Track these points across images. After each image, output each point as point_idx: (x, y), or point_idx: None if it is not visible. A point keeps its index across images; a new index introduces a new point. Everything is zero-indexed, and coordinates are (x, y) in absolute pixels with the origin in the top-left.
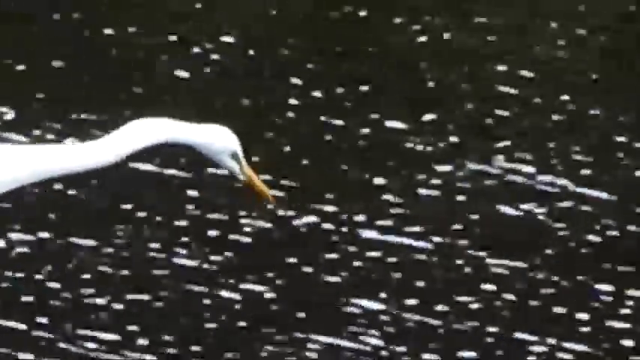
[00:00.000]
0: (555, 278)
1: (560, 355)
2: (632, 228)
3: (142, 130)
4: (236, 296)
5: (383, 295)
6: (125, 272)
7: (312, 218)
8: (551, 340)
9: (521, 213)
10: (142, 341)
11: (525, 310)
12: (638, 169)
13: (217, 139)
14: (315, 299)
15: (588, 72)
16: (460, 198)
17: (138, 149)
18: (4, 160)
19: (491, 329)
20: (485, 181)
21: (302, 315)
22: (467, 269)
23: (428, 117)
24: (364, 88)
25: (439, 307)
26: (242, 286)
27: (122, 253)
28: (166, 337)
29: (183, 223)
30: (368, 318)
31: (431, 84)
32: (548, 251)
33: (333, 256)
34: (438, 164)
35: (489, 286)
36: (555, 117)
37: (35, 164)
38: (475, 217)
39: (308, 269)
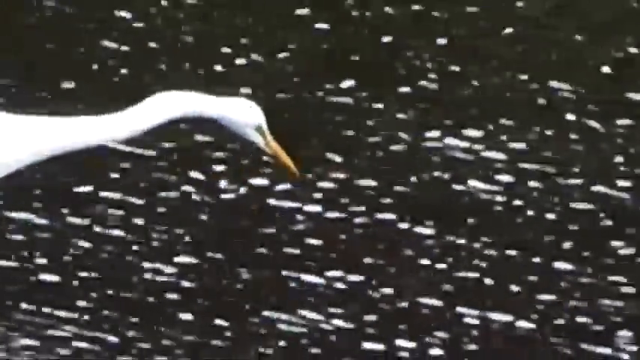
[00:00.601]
0: (509, 252)
1: (512, 330)
2: (589, 204)
3: (166, 103)
4: (174, 271)
5: (327, 269)
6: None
7: (250, 191)
8: (504, 317)
9: (476, 188)
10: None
11: (471, 285)
12: (591, 143)
13: (242, 113)
14: (258, 274)
15: (561, 48)
16: (411, 170)
17: (161, 122)
18: (15, 132)
19: (437, 304)
20: (442, 155)
21: (249, 290)
22: (420, 244)
23: (390, 89)
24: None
25: (385, 282)
26: (181, 261)
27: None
28: (127, 318)
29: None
30: (312, 293)
31: (400, 56)
32: (504, 227)
33: (273, 229)
34: (395, 135)
35: (442, 262)
36: (523, 93)
37: (49, 138)
38: (427, 190)
39: (251, 242)
